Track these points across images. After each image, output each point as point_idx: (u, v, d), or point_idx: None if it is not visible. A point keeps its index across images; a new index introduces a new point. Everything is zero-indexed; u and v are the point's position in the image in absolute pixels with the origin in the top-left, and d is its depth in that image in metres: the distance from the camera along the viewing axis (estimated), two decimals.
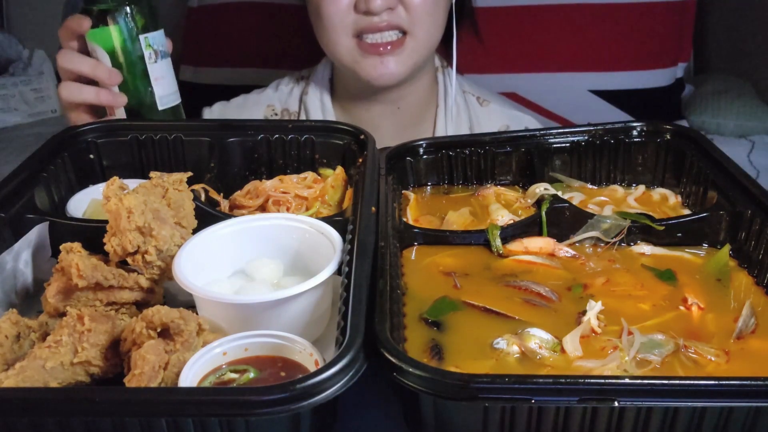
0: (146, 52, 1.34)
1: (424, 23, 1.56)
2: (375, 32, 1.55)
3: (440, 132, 1.76)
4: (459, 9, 1.67)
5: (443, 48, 1.72)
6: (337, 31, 1.57)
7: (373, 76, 1.59)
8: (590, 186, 1.28)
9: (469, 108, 1.81)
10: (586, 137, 1.27)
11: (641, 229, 1.09)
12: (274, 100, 1.85)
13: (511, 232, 1.09)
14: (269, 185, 1.20)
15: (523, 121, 1.81)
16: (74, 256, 0.88)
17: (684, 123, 2.38)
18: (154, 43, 1.34)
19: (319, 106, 1.78)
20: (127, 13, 1.31)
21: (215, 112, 1.88)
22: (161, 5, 2.77)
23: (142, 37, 1.33)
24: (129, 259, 0.92)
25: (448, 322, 0.93)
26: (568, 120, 2.43)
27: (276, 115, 1.84)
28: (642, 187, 1.26)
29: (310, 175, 1.24)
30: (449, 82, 1.77)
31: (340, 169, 1.24)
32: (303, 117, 1.80)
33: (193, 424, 0.69)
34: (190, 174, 1.06)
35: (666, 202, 1.23)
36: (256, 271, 0.98)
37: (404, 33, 1.56)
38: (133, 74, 1.35)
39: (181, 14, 2.64)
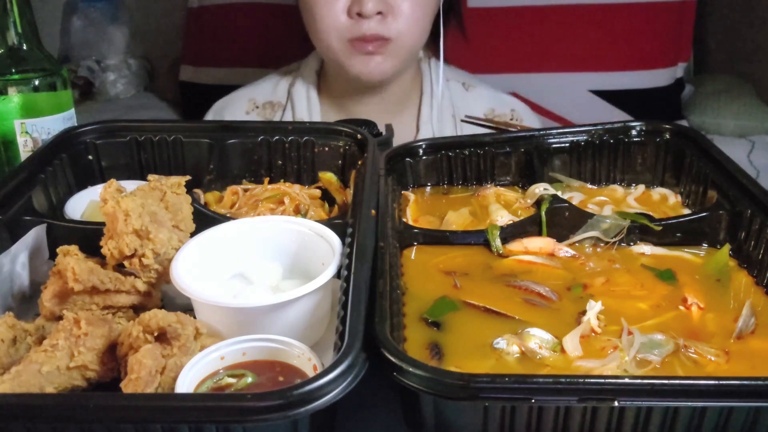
0: None
1: (411, 32, 1.66)
2: (364, 42, 1.64)
3: (425, 118, 1.83)
4: (446, 10, 1.76)
5: (430, 41, 1.79)
6: (330, 34, 1.66)
7: (363, 72, 1.68)
8: (590, 186, 1.28)
9: (453, 94, 1.88)
10: (586, 137, 1.27)
11: (641, 228, 1.09)
12: (255, 94, 1.92)
13: (511, 232, 1.09)
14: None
15: (507, 102, 1.89)
16: (71, 259, 0.88)
17: (684, 123, 2.38)
18: None
19: (305, 97, 1.85)
20: None
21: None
22: (162, 5, 2.78)
23: None
24: (126, 263, 0.92)
25: (448, 322, 0.92)
26: (568, 120, 2.43)
27: (257, 108, 1.91)
28: (642, 187, 1.26)
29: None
30: (434, 72, 1.85)
31: (333, 177, 1.25)
32: (289, 108, 1.87)
33: (189, 431, 0.69)
34: (188, 178, 1.05)
35: (666, 201, 1.23)
36: (255, 274, 0.98)
37: (390, 40, 1.65)
38: None
39: (181, 14, 2.64)
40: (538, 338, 0.88)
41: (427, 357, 0.86)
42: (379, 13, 1.61)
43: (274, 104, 1.90)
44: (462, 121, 1.74)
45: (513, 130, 1.52)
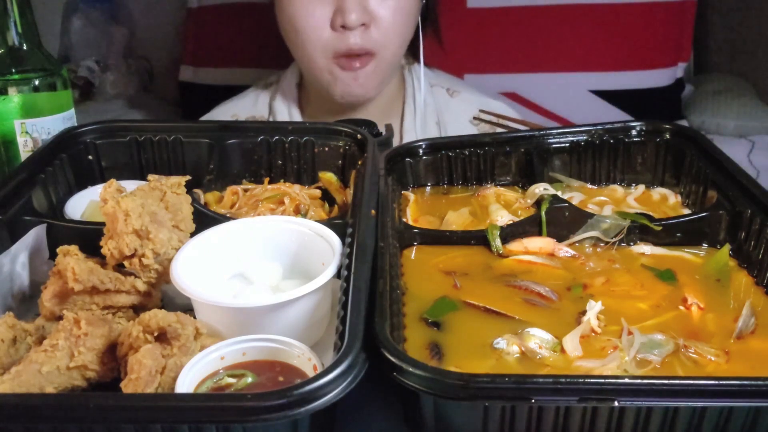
0: None
1: (394, 42, 1.64)
2: (348, 56, 1.62)
3: (408, 127, 1.80)
4: (423, 16, 1.74)
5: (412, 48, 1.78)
6: (315, 48, 1.63)
7: (346, 94, 1.67)
8: (590, 186, 1.28)
9: (438, 101, 1.85)
10: (586, 137, 1.27)
11: (641, 228, 1.09)
12: (237, 109, 1.89)
13: (511, 232, 1.09)
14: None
15: (494, 107, 1.85)
16: (71, 259, 0.88)
17: (684, 123, 2.38)
18: None
19: (287, 112, 1.83)
20: None
21: None
22: (162, 5, 2.78)
23: None
24: (126, 263, 0.92)
25: (448, 322, 0.92)
26: (568, 120, 2.43)
27: None
28: (642, 187, 1.26)
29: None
30: (416, 80, 1.82)
31: (333, 177, 1.25)
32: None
33: (189, 431, 0.69)
34: (188, 178, 1.05)
35: (666, 201, 1.23)
36: (255, 274, 0.98)
37: (374, 54, 1.63)
38: None
39: (181, 15, 2.64)
40: (538, 338, 0.88)
41: (427, 357, 0.86)
42: (363, 24, 1.59)
43: (256, 119, 1.86)
44: (475, 118, 1.72)
45: (521, 128, 1.51)
